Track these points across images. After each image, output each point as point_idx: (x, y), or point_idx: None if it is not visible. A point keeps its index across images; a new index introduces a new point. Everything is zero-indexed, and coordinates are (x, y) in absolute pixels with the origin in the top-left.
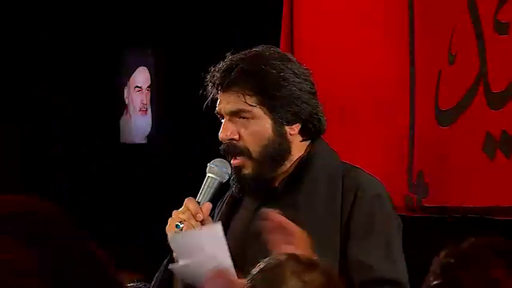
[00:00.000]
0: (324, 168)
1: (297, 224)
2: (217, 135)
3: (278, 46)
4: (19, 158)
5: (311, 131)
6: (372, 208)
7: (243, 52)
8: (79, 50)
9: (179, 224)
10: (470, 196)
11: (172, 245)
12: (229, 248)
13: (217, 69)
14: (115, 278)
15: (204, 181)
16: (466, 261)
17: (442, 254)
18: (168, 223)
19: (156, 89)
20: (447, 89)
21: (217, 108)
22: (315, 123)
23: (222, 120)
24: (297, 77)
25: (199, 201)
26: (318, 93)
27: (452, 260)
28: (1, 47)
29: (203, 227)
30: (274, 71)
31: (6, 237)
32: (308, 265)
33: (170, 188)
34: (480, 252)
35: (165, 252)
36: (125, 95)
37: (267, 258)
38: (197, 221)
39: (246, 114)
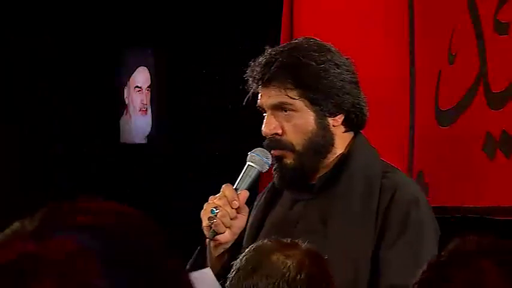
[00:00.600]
0: (362, 166)
1: (331, 222)
2: (217, 135)
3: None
4: (19, 157)
5: (354, 122)
6: (408, 211)
7: (282, 45)
8: (79, 50)
9: (214, 209)
10: (470, 196)
11: None
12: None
13: (257, 64)
14: None
15: (244, 169)
16: (452, 257)
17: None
18: (204, 208)
19: (156, 89)
20: (447, 89)
21: (258, 103)
22: (358, 113)
23: (264, 115)
24: (338, 68)
25: (236, 188)
26: None
27: (439, 257)
28: (1, 47)
29: (196, 272)
30: (314, 63)
31: (91, 255)
32: (290, 244)
33: (170, 188)
34: (468, 248)
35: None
36: (125, 95)
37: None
38: (233, 208)
39: (288, 107)
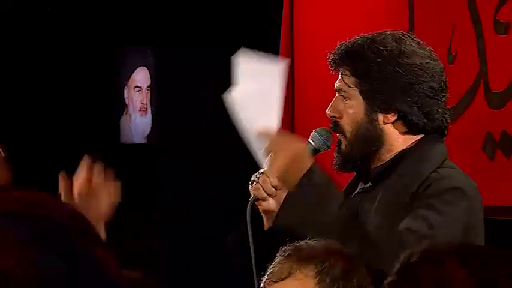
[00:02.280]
0: (416, 166)
1: (371, 217)
2: (217, 135)
3: (278, 46)
4: (19, 157)
5: (417, 125)
6: (443, 192)
7: (366, 35)
8: (79, 49)
9: (257, 174)
10: None
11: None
12: None
13: (336, 47)
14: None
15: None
16: (423, 257)
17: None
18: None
19: (156, 89)
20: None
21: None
22: (419, 117)
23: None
24: (399, 66)
25: None
26: (317, 94)
27: (410, 258)
28: (1, 47)
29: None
30: (373, 55)
31: (8, 235)
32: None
33: (170, 188)
34: (438, 248)
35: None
36: (125, 95)
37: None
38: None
39: (344, 94)
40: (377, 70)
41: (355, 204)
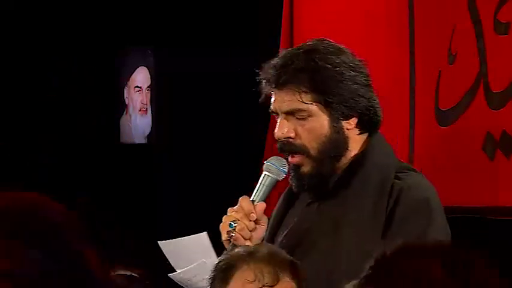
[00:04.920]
0: (376, 167)
1: (342, 222)
2: (217, 135)
3: (278, 46)
4: (19, 157)
5: (367, 124)
6: (416, 210)
7: (297, 47)
8: (79, 49)
9: (232, 223)
10: (470, 196)
11: (164, 252)
12: (279, 244)
13: (271, 66)
14: (102, 280)
15: (260, 179)
16: (399, 253)
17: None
18: (223, 221)
19: (156, 89)
20: (447, 89)
21: (272, 107)
22: (371, 115)
23: (278, 119)
24: (352, 70)
25: (254, 199)
26: None
27: (385, 252)
28: (1, 46)
29: (191, 236)
30: (330, 66)
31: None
32: None
33: (170, 188)
34: (414, 244)
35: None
36: (125, 95)
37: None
38: (250, 220)
39: (303, 114)
40: (339, 80)
41: (307, 217)
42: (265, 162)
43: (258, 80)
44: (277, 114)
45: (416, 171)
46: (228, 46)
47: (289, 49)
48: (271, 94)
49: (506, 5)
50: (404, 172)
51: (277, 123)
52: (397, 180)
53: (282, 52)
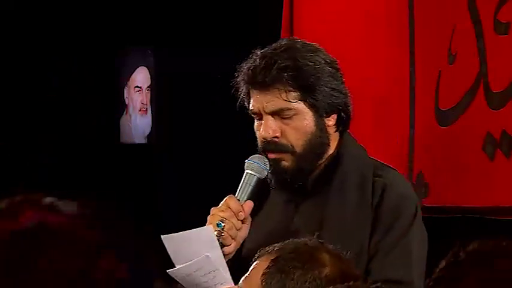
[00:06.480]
0: (354, 164)
1: (325, 220)
2: (217, 135)
3: None
4: (19, 157)
5: (345, 121)
6: (398, 207)
7: (273, 47)
8: (79, 49)
9: (220, 222)
10: (470, 196)
11: (167, 248)
12: (263, 244)
13: (250, 68)
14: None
15: (243, 178)
16: (470, 256)
17: (451, 252)
18: (208, 221)
19: (156, 89)
20: (447, 89)
21: (253, 108)
22: (348, 112)
23: (257, 120)
24: (330, 67)
25: (238, 199)
26: None
27: (459, 256)
28: (1, 46)
29: (196, 229)
30: (312, 63)
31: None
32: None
33: (170, 188)
34: (486, 248)
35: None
36: (125, 95)
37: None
38: (239, 220)
39: (289, 113)
40: (320, 77)
41: (286, 216)
42: (246, 161)
43: (233, 83)
44: (258, 115)
45: (390, 167)
46: (228, 46)
47: (265, 50)
48: (249, 95)
49: (506, 5)
50: (381, 169)
51: (262, 124)
52: (377, 178)
53: (257, 53)
